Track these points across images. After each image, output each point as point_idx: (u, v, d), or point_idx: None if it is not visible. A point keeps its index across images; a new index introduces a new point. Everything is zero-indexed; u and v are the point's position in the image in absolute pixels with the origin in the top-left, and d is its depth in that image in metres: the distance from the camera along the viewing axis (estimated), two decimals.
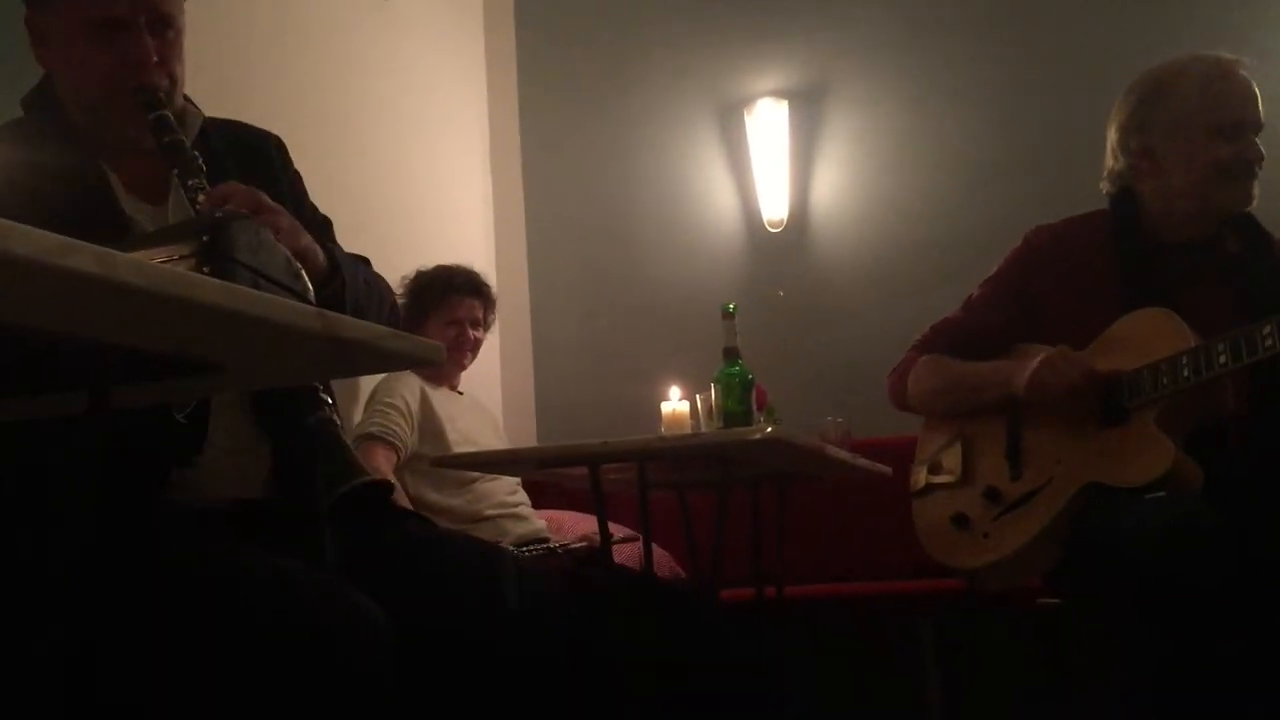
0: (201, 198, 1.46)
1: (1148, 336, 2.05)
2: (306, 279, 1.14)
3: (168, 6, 1.60)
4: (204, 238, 1.02)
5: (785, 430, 2.23)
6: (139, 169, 1.62)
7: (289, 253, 1.15)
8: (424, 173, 3.82)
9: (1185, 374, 1.95)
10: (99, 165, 1.59)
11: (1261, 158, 2.14)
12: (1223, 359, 1.90)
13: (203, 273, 0.99)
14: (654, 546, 2.53)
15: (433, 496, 2.88)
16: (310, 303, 1.11)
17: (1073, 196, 2.36)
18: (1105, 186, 2.28)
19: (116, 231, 1.52)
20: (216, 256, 1.01)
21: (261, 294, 0.99)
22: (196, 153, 1.54)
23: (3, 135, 1.62)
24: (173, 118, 1.57)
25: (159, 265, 0.94)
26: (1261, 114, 2.16)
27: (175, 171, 1.52)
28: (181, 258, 1.01)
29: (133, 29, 1.56)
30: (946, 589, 2.90)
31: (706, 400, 2.57)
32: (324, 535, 1.55)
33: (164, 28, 1.60)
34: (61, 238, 0.75)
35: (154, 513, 1.44)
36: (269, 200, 1.47)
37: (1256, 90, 2.16)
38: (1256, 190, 2.16)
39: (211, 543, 1.41)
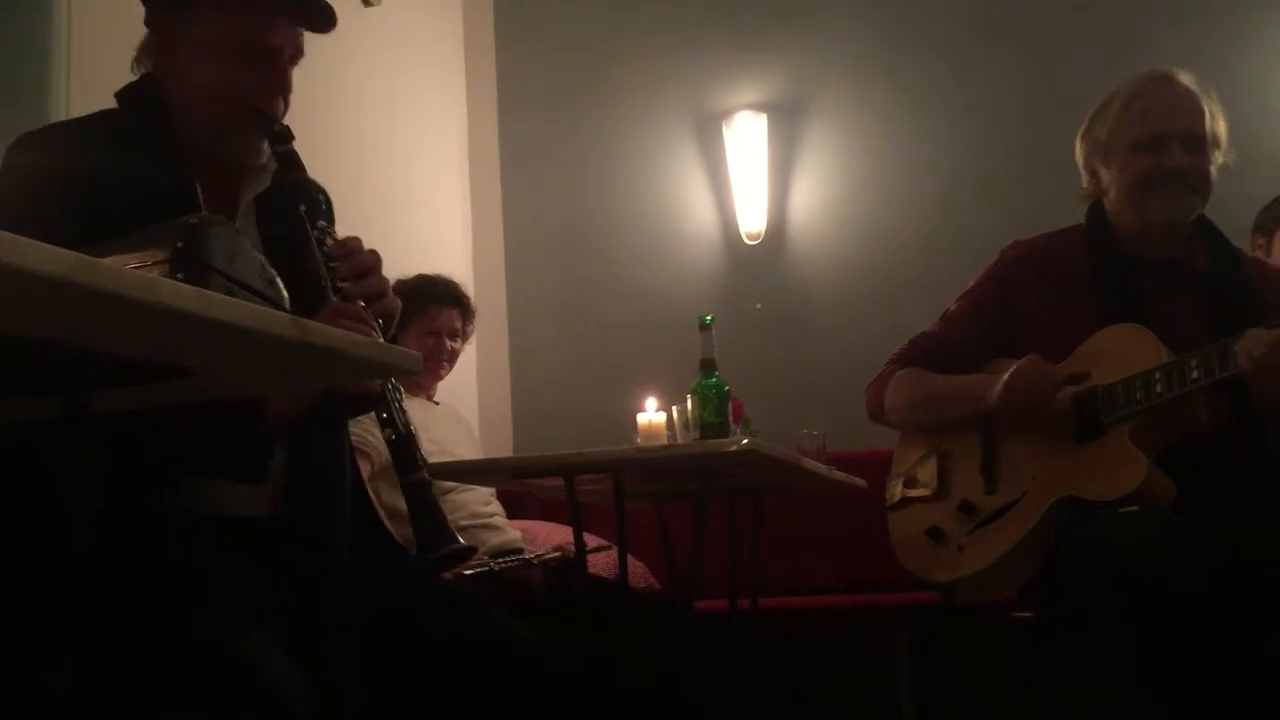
0: (330, 242, 1.55)
1: (1122, 352, 2.06)
2: (281, 286, 1.14)
3: (302, 45, 1.69)
4: (179, 244, 1.02)
5: (761, 442, 2.23)
6: (215, 183, 1.64)
7: (264, 260, 1.14)
8: (402, 182, 3.81)
9: (1158, 389, 1.96)
10: (189, 174, 1.60)
11: (1189, 168, 2.12)
12: (1195, 374, 1.92)
13: (176, 279, 0.98)
14: (629, 558, 2.53)
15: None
16: (285, 310, 1.11)
17: (1048, 212, 2.37)
18: (1082, 203, 2.31)
19: None
20: (191, 262, 1.01)
21: (235, 300, 0.98)
22: (321, 195, 1.62)
23: (97, 121, 1.63)
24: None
25: (133, 270, 0.93)
26: (1201, 124, 2.15)
27: (302, 208, 1.59)
28: (156, 263, 1.00)
29: (277, 59, 1.64)
30: (921, 602, 2.90)
31: (683, 412, 2.57)
32: (326, 560, 1.55)
33: (293, 63, 1.68)
34: (31, 241, 0.74)
35: (165, 523, 1.45)
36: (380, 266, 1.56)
37: (1199, 102, 2.16)
38: (1193, 200, 2.15)
39: (213, 593, 1.41)
